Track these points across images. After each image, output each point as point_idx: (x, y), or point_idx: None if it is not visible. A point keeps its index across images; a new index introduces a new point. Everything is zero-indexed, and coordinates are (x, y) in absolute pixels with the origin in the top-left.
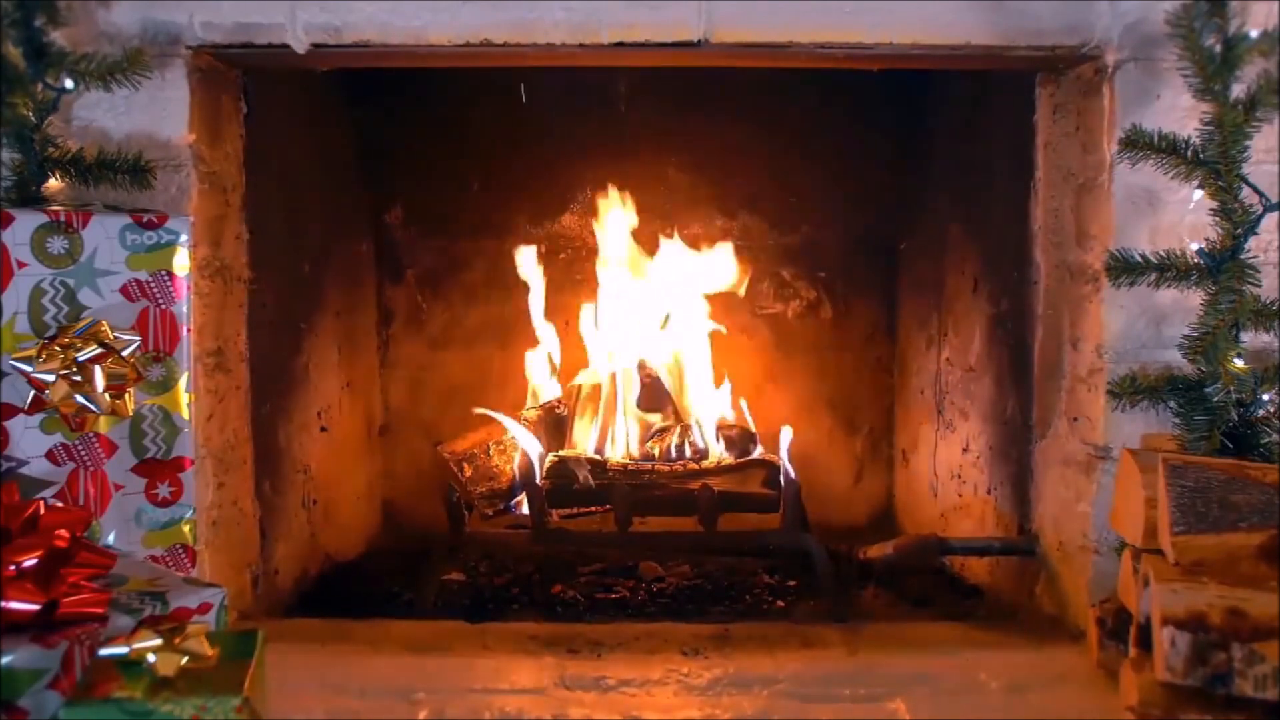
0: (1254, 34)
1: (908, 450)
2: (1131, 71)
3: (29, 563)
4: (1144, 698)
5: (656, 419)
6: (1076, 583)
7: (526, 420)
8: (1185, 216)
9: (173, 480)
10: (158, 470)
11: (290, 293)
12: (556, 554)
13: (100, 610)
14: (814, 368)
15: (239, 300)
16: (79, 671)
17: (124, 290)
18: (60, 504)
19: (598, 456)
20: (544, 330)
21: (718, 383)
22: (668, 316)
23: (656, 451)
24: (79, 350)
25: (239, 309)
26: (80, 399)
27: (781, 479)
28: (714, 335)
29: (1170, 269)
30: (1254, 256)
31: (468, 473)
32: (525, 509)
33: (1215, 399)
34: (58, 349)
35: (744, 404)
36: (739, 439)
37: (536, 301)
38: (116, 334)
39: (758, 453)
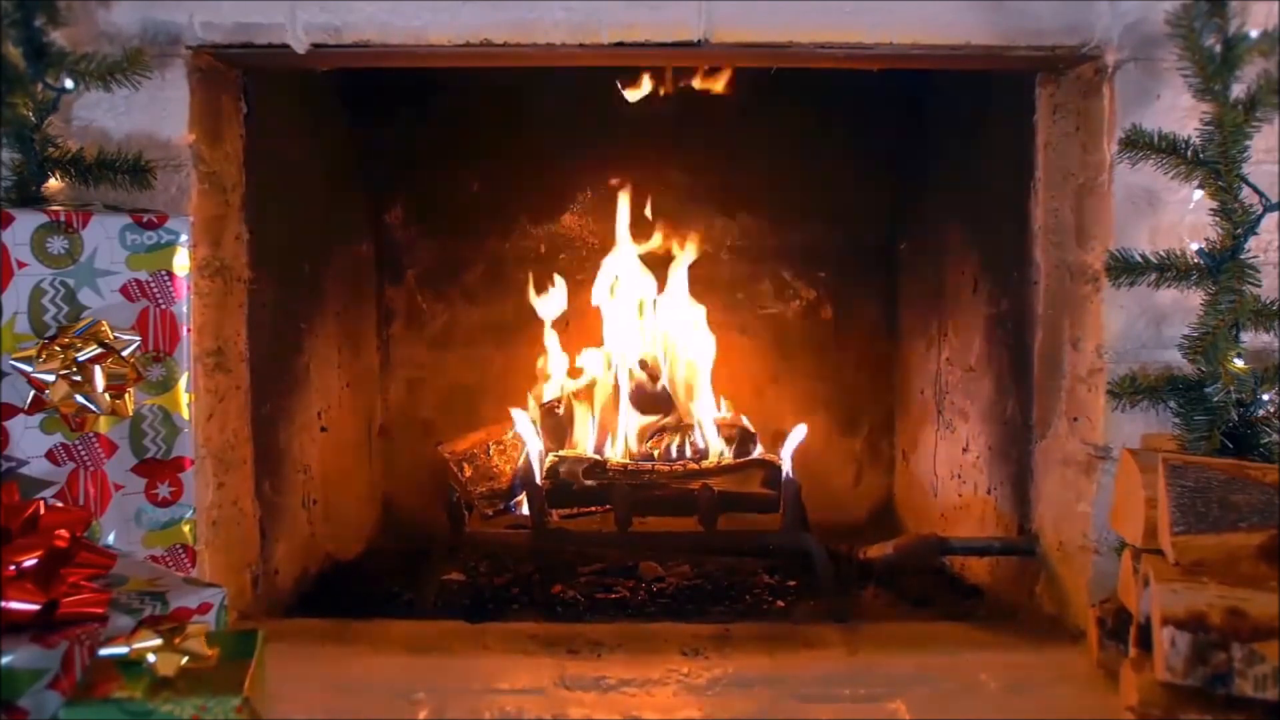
0: (1254, 34)
1: (908, 450)
2: (1131, 71)
3: (29, 563)
4: (1144, 698)
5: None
6: (1076, 583)
7: (548, 411)
8: (1185, 216)
9: (173, 480)
10: (158, 470)
11: (290, 293)
12: (556, 554)
13: (100, 610)
14: (814, 368)
15: (239, 300)
16: (79, 671)
17: (124, 290)
18: (60, 504)
19: (598, 456)
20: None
21: (718, 383)
22: (655, 303)
23: (656, 452)
24: (79, 350)
25: (239, 309)
26: (80, 399)
27: (781, 479)
28: (714, 335)
29: (1170, 269)
30: (1254, 256)
31: (468, 473)
32: (525, 509)
33: (1215, 399)
34: (58, 349)
35: (743, 416)
36: (739, 439)
37: (539, 303)
38: (116, 334)
39: (758, 452)
